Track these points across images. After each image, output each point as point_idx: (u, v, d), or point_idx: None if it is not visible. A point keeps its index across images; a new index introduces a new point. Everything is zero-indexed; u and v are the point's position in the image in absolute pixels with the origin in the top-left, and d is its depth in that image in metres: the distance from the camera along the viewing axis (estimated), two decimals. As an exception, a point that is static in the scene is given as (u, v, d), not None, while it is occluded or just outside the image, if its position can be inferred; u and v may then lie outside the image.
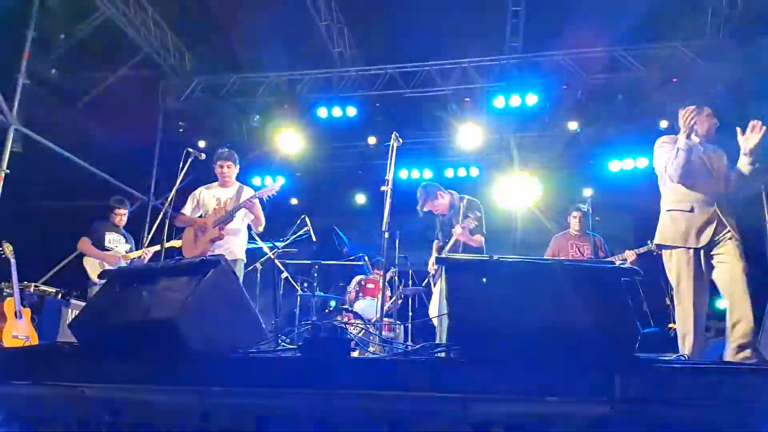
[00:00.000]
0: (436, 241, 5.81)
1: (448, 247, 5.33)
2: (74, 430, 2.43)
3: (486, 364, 2.36)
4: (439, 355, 2.53)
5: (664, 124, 9.23)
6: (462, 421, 2.20)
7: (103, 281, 3.22)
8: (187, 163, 4.97)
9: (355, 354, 4.48)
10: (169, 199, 4.89)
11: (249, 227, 5.78)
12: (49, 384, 2.53)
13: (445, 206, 5.64)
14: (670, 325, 8.16)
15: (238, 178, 5.70)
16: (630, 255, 6.42)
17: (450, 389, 2.28)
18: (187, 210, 5.55)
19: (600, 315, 2.51)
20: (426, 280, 5.89)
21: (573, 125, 9.26)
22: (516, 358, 2.36)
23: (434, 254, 5.66)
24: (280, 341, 3.10)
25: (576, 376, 2.27)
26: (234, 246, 5.43)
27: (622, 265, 2.70)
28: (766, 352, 2.81)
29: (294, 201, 11.80)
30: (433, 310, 5.41)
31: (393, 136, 4.86)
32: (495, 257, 2.69)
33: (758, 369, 2.31)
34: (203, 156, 5.08)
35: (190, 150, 4.97)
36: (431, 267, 5.76)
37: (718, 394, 2.19)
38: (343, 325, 2.57)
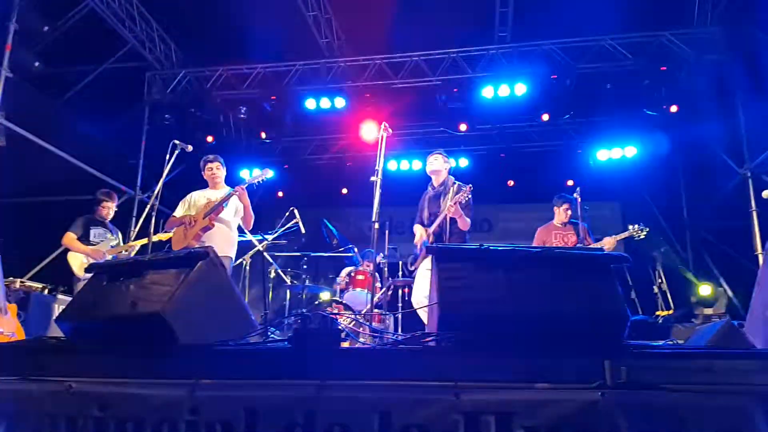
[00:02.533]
0: (419, 225, 5.61)
1: (435, 225, 5.23)
2: (62, 425, 2.40)
3: (476, 352, 2.35)
4: (429, 344, 2.52)
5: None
6: (453, 410, 2.20)
7: (88, 276, 3.19)
8: (174, 156, 4.92)
9: (346, 345, 4.49)
10: (156, 192, 4.85)
11: (239, 229, 5.80)
12: (36, 379, 2.50)
13: (444, 178, 5.54)
14: (658, 313, 8.25)
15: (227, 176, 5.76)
16: (609, 242, 6.42)
17: (440, 378, 2.27)
18: (178, 214, 5.64)
19: (589, 302, 2.51)
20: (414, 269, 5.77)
21: (560, 114, 9.26)
22: (506, 345, 2.36)
23: (420, 232, 5.47)
24: (269, 333, 3.08)
25: (566, 363, 2.27)
26: (223, 242, 5.44)
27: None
28: (753, 335, 2.82)
29: (281, 194, 11.75)
30: (417, 293, 5.34)
31: (382, 126, 4.84)
32: (484, 245, 2.68)
33: (746, 353, 2.32)
34: (190, 148, 5.05)
35: (177, 142, 4.94)
36: (419, 240, 5.50)
37: (708, 379, 2.20)
38: (332, 316, 2.56)
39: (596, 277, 2.58)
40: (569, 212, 6.68)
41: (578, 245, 6.33)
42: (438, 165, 5.49)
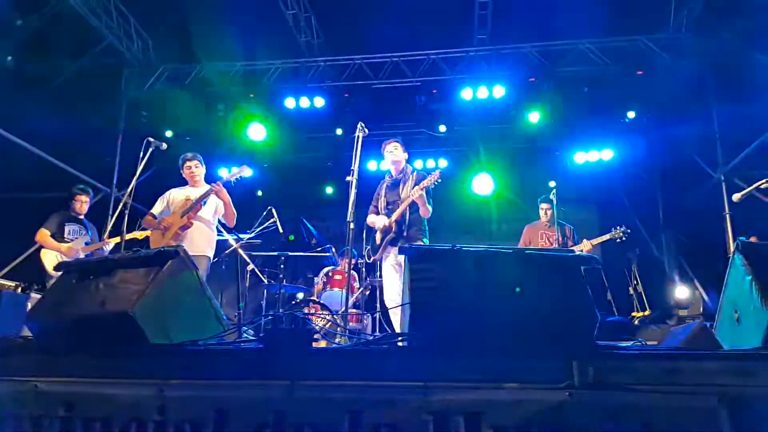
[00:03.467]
0: (376, 214, 5.43)
1: (398, 213, 5.11)
2: (27, 425, 2.36)
3: (446, 352, 2.36)
4: (399, 344, 2.52)
5: (631, 114, 9.35)
6: (423, 409, 2.20)
7: (59, 274, 3.14)
8: (148, 153, 4.86)
9: (322, 344, 4.47)
10: (129, 189, 4.79)
11: (219, 227, 5.76)
12: (1, 379, 2.45)
13: (403, 166, 5.44)
14: (634, 314, 8.35)
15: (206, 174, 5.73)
16: (585, 245, 6.49)
17: (410, 378, 2.28)
18: (156, 210, 5.59)
19: (559, 302, 2.53)
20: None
21: (537, 117, 9.33)
22: (476, 346, 2.37)
23: (383, 221, 5.24)
24: (243, 333, 3.06)
25: (536, 364, 2.29)
26: (201, 241, 5.41)
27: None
28: (721, 337, 2.87)
29: (260, 192, 11.69)
30: (389, 291, 5.24)
31: (359, 126, 4.84)
32: (456, 246, 2.69)
33: (712, 354, 2.35)
34: (164, 146, 5.00)
35: (151, 139, 4.89)
36: (381, 227, 5.26)
37: (676, 380, 2.23)
38: (305, 316, 2.55)
39: (566, 278, 2.60)
40: (548, 212, 6.76)
41: (556, 246, 6.39)
42: (398, 154, 5.41)
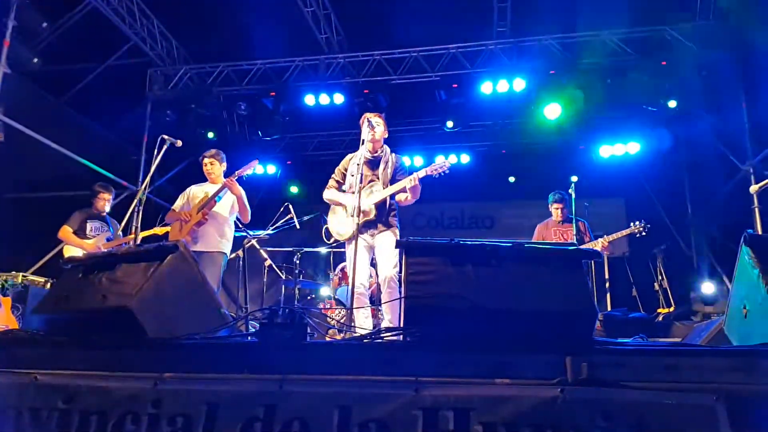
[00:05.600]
0: (338, 190, 4.91)
1: (380, 197, 4.64)
2: (26, 417, 2.41)
3: (439, 347, 2.34)
4: (392, 339, 2.50)
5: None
6: (413, 405, 2.18)
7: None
8: (162, 151, 4.93)
9: (328, 338, 4.48)
10: (143, 186, 4.89)
11: (237, 223, 5.82)
12: (2, 371, 2.51)
13: (382, 145, 4.94)
14: (659, 310, 8.16)
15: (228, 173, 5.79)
16: (602, 243, 6.36)
17: (402, 373, 2.26)
18: (177, 206, 5.72)
19: (558, 297, 2.49)
20: None
21: (559, 110, 9.16)
22: (470, 341, 2.34)
23: (343, 200, 4.77)
24: (238, 327, 3.08)
25: (529, 359, 2.25)
26: (216, 237, 5.47)
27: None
28: (730, 332, 2.78)
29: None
30: (361, 273, 4.63)
31: (362, 118, 4.80)
32: (454, 240, 2.66)
33: (713, 350, 2.28)
34: (179, 143, 5.06)
35: (165, 137, 4.95)
36: (350, 204, 4.69)
37: (672, 377, 2.17)
38: (302, 311, 2.55)
39: (565, 272, 2.55)
40: (559, 211, 6.65)
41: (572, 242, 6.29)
42: (381, 131, 4.87)
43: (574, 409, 2.10)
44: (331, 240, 4.94)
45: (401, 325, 2.66)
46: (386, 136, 4.95)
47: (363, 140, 4.71)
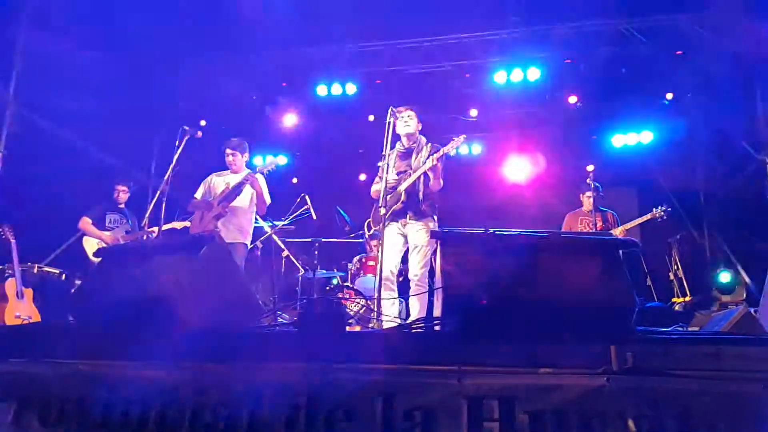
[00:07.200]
0: (379, 182, 4.98)
1: (409, 182, 4.83)
2: (71, 407, 2.43)
3: (480, 337, 2.35)
4: (433, 328, 2.51)
5: (669, 96, 9.05)
6: (457, 394, 2.20)
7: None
8: (183, 141, 4.93)
9: (357, 329, 4.49)
10: (166, 177, 4.88)
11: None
12: (45, 362, 2.53)
13: (417, 137, 5.12)
14: (674, 299, 8.16)
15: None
16: (622, 230, 6.38)
17: (444, 362, 2.27)
18: (198, 194, 5.75)
19: (597, 287, 2.49)
20: None
21: (573, 99, 9.11)
22: (511, 330, 2.35)
23: (381, 190, 4.76)
24: (277, 317, 3.10)
25: (572, 349, 2.26)
26: (237, 229, 5.51)
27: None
28: (766, 321, 2.78)
29: (295, 180, 11.74)
30: (389, 261, 4.78)
31: (389, 111, 4.79)
32: (491, 230, 2.66)
33: (755, 339, 2.28)
34: (200, 134, 5.07)
35: (186, 128, 4.96)
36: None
37: (715, 365, 2.17)
38: (338, 301, 2.56)
39: (604, 262, 2.55)
40: (590, 199, 6.64)
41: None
42: (414, 125, 5.06)
43: (620, 398, 2.11)
44: (371, 231, 5.22)
45: (435, 315, 2.67)
46: (418, 128, 5.13)
47: (397, 135, 5.04)
